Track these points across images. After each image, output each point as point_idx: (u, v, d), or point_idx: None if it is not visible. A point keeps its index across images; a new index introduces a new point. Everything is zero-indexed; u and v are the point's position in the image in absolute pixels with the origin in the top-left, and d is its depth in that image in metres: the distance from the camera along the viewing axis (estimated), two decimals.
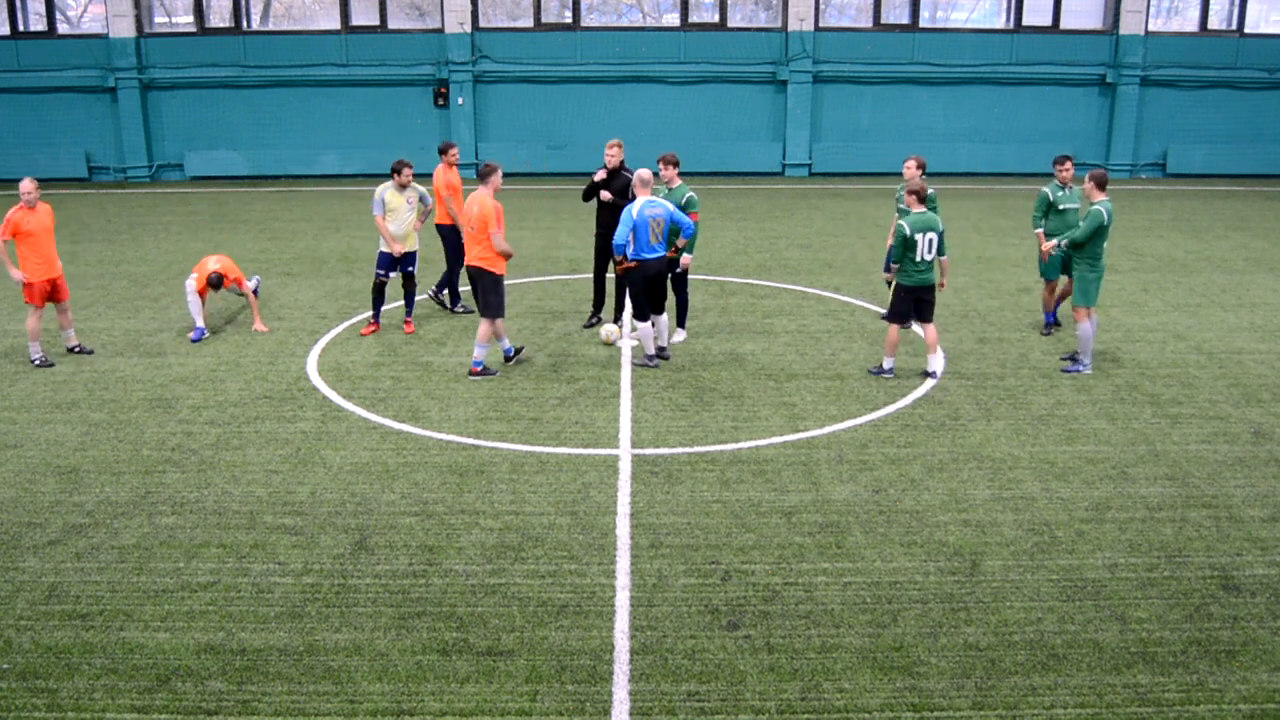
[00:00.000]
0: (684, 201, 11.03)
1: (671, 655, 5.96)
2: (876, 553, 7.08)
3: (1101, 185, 10.36)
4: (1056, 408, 9.66)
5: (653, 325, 10.70)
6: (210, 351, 11.32)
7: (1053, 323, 11.97)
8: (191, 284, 11.57)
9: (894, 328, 10.37)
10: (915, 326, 11.16)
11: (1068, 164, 11.60)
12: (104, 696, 5.59)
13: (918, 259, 10.10)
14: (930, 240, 10.07)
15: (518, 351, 10.85)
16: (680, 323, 11.67)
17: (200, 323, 11.67)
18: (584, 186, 12.11)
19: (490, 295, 10.26)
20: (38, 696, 5.60)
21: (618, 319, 11.96)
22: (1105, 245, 10.39)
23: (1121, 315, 12.74)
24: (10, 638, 6.11)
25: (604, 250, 11.90)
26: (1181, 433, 9.11)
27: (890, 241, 11.67)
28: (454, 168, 12.55)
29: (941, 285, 10.40)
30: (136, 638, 6.10)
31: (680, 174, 11.56)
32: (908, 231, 10.04)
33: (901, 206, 11.60)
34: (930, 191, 11.61)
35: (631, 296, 10.63)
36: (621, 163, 11.70)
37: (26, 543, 7.19)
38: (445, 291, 12.96)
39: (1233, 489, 8.04)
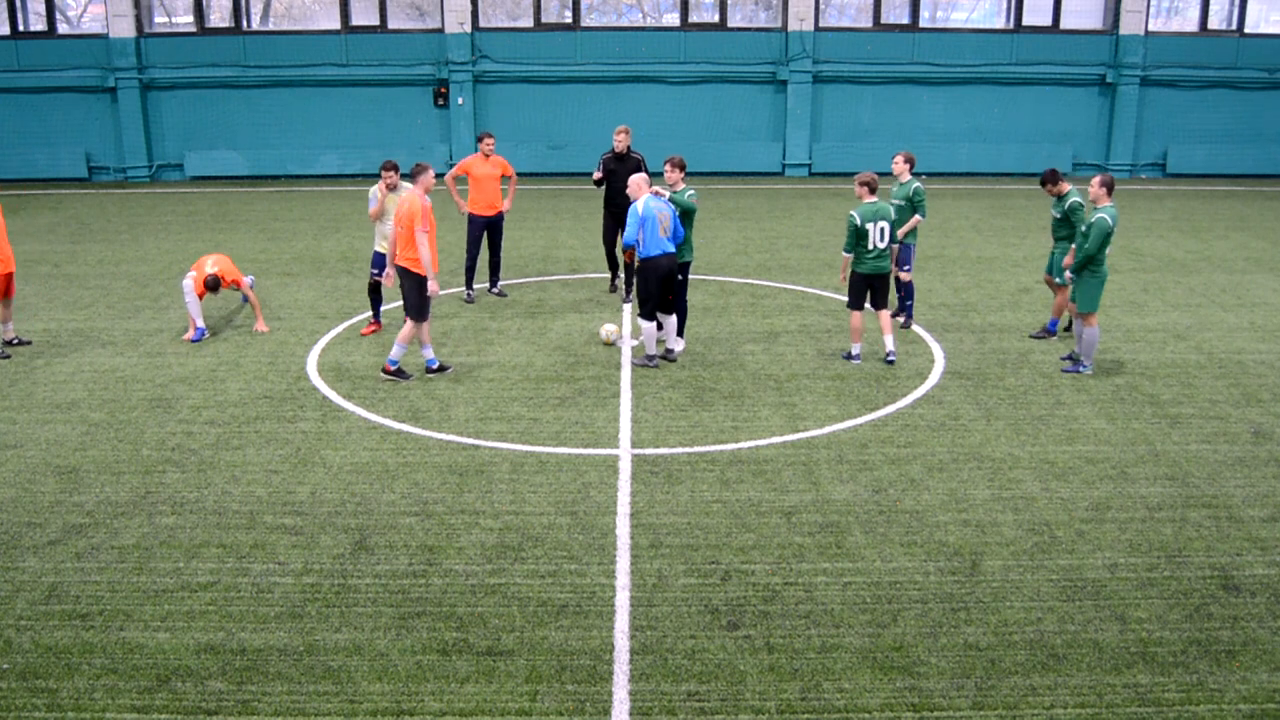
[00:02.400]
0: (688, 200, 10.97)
1: (671, 655, 5.96)
2: (876, 553, 7.08)
3: (1110, 190, 10.27)
4: (1056, 408, 9.66)
5: (659, 327, 10.69)
6: (210, 351, 11.32)
7: (1053, 331, 11.80)
8: (189, 284, 11.53)
9: (856, 315, 10.80)
10: (916, 326, 11.18)
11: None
12: (104, 696, 5.59)
13: (869, 247, 10.55)
14: (882, 229, 10.53)
15: (442, 368, 10.53)
16: (679, 332, 11.34)
17: (200, 323, 11.67)
18: (593, 176, 13.08)
19: (415, 296, 10.13)
20: (38, 696, 5.60)
21: (628, 297, 11.97)
22: (1108, 250, 10.33)
23: (1121, 315, 12.74)
24: (10, 638, 6.12)
25: (613, 229, 13.17)
26: (1181, 433, 9.11)
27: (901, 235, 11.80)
28: (490, 157, 13.08)
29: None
30: (136, 638, 6.11)
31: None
32: (858, 221, 10.46)
33: (895, 202, 11.76)
34: (918, 185, 11.74)
35: (643, 295, 10.56)
36: (629, 147, 12.90)
37: (26, 543, 7.20)
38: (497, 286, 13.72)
39: (1233, 489, 8.04)
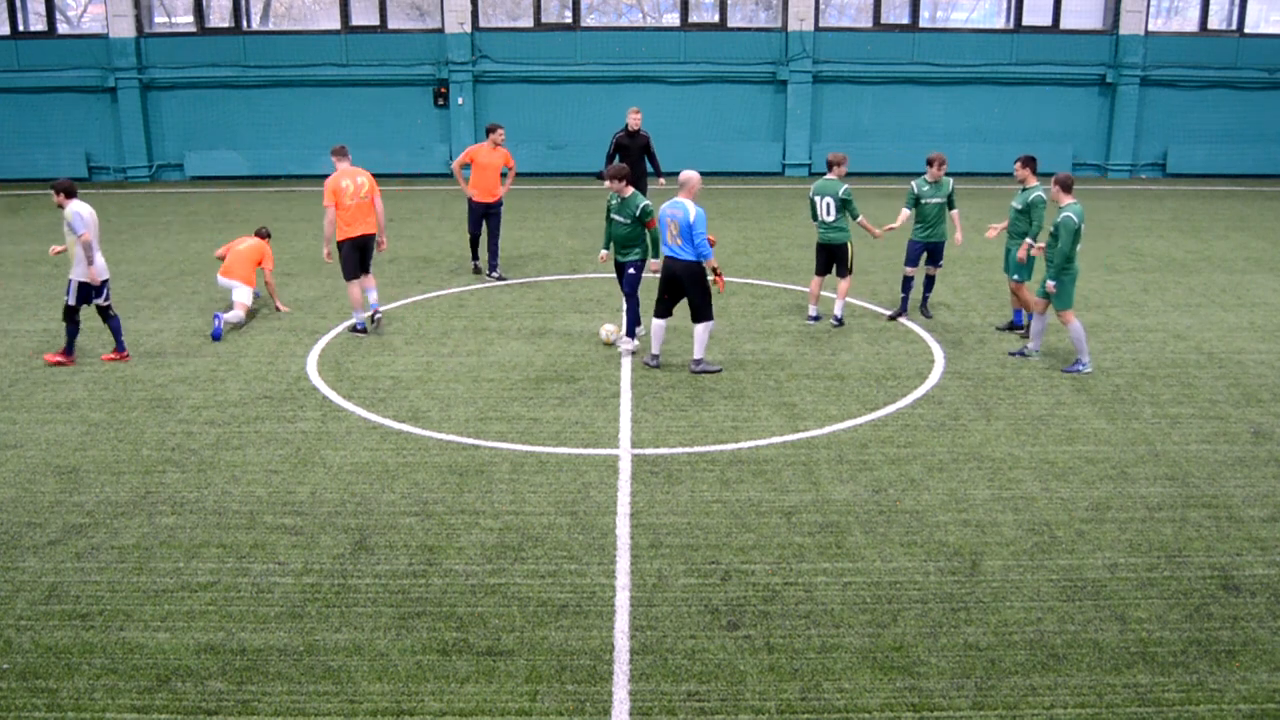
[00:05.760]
0: (639, 211, 10.62)
1: (671, 655, 5.96)
2: (876, 553, 7.08)
3: (1067, 188, 10.45)
4: (1056, 408, 9.66)
5: (708, 328, 10.54)
6: (210, 351, 11.32)
7: (1021, 325, 11.90)
8: (245, 294, 12.24)
9: (814, 279, 12.33)
10: (914, 323, 11.20)
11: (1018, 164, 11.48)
12: (104, 696, 5.59)
13: (816, 218, 11.89)
14: (827, 204, 11.70)
15: (362, 329, 11.94)
16: (629, 331, 11.18)
17: (220, 321, 11.69)
18: (604, 161, 14.58)
19: (370, 256, 11.80)
20: (38, 696, 5.60)
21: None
22: (1079, 247, 10.44)
23: (1121, 315, 12.74)
24: (10, 638, 6.12)
25: None
26: (1181, 433, 9.11)
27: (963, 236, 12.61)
28: (498, 148, 14.07)
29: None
30: (136, 638, 6.11)
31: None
32: (810, 194, 11.87)
33: (936, 201, 12.07)
34: (945, 178, 12.16)
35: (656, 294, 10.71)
36: (640, 126, 14.74)
37: (26, 543, 7.20)
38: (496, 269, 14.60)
39: (1233, 489, 8.04)
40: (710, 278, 10.42)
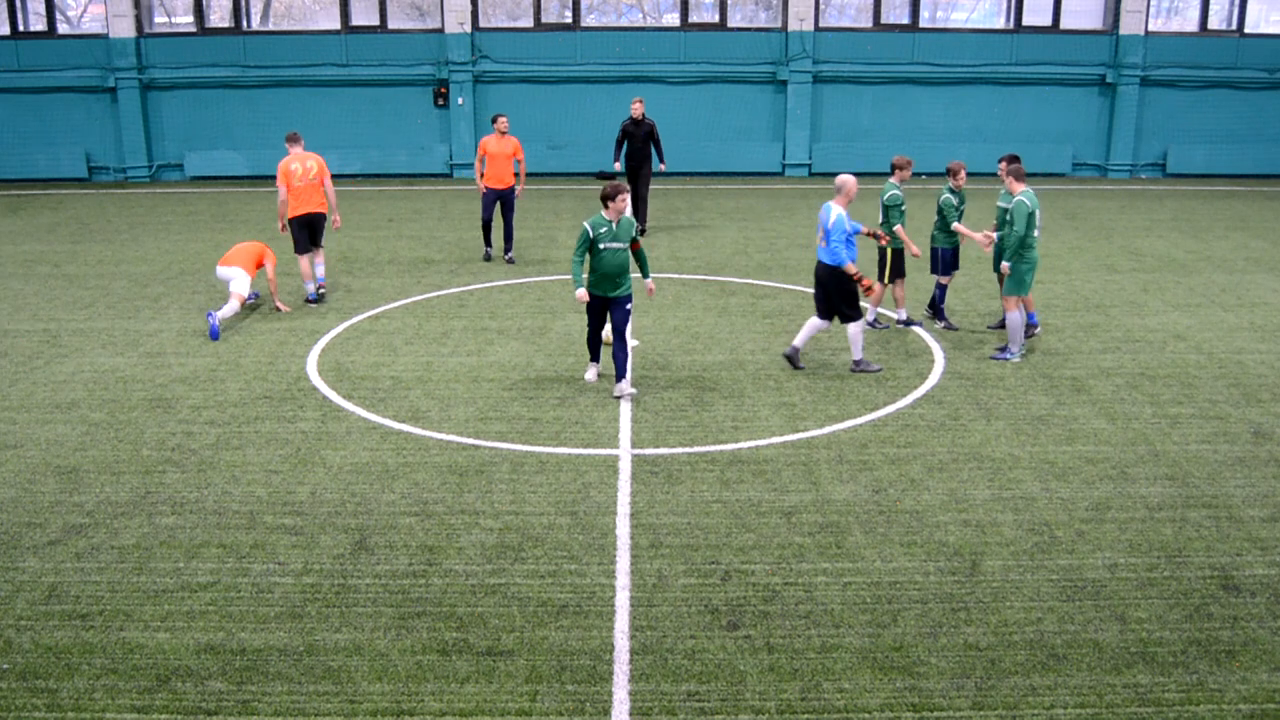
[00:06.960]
0: (635, 232, 9.69)
1: (671, 655, 5.96)
2: (876, 553, 7.08)
3: (1020, 178, 10.84)
4: (1056, 408, 9.66)
5: (859, 328, 10.51)
6: (210, 351, 11.32)
7: (1034, 324, 11.84)
8: (243, 282, 12.32)
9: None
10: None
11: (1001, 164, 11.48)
12: (104, 696, 5.60)
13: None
14: (881, 205, 11.72)
15: (319, 298, 13.28)
16: (620, 374, 9.88)
17: (215, 320, 11.69)
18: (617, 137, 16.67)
19: (321, 234, 13.06)
20: (38, 696, 5.60)
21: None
22: (1036, 235, 10.68)
23: (1121, 315, 12.74)
24: (10, 638, 6.12)
25: (631, 182, 16.55)
26: (1181, 433, 9.11)
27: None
28: (505, 136, 15.06)
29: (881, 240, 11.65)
30: (136, 638, 6.11)
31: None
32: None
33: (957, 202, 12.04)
34: (952, 194, 11.96)
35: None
36: (644, 115, 16.59)
37: (26, 543, 7.20)
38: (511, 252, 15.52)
39: (1233, 489, 8.04)
40: (856, 279, 10.29)
